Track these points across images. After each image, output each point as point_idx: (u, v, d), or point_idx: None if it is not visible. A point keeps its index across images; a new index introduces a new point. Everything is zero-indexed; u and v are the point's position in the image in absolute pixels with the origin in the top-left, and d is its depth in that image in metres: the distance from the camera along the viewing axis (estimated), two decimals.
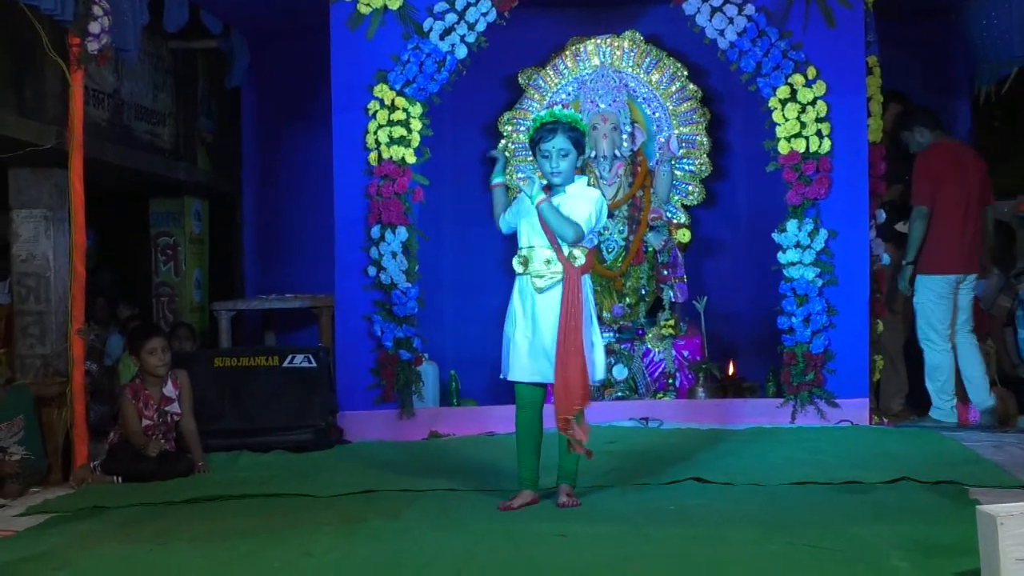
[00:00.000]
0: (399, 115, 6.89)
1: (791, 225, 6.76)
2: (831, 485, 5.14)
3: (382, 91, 6.90)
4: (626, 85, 7.66)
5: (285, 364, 6.65)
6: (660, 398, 7.16)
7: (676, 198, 7.74)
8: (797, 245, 6.76)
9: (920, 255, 6.71)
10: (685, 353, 7.30)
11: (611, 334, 7.32)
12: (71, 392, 5.83)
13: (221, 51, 8.35)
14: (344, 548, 4.27)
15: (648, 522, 4.54)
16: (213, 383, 6.54)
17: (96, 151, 6.58)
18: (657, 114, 7.74)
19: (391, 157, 6.90)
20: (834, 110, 6.73)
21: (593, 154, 7.50)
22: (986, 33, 7.07)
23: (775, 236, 6.80)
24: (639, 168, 7.62)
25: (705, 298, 7.38)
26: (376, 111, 6.90)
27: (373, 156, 6.91)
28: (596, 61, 7.74)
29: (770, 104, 6.77)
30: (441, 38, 6.89)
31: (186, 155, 8.53)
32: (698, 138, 7.73)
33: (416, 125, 6.91)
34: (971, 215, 6.77)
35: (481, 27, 6.87)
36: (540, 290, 4.86)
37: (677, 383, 7.25)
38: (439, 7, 6.87)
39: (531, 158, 5.09)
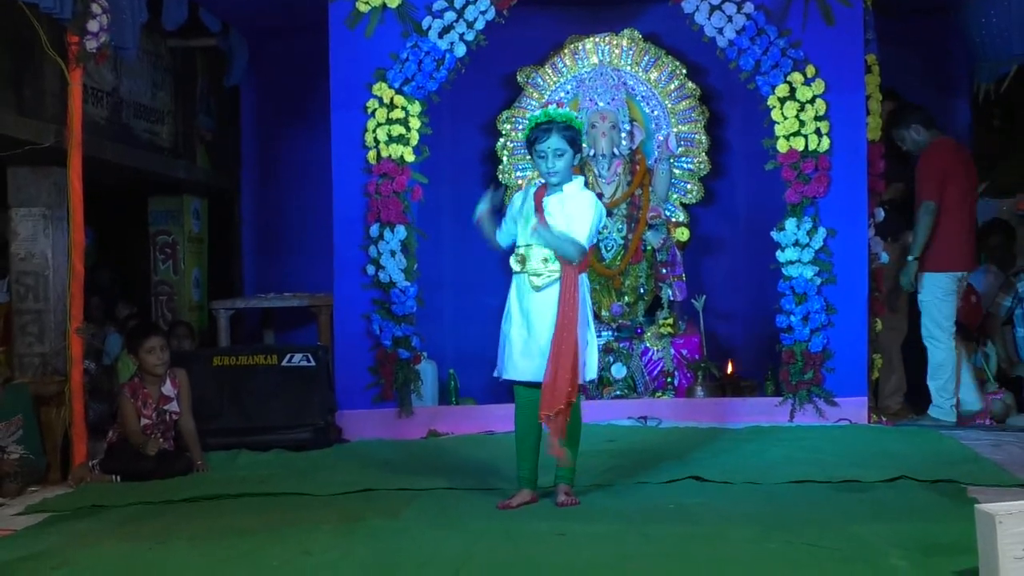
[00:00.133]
0: (398, 113, 6.89)
1: (790, 223, 6.76)
2: (830, 484, 5.15)
3: (381, 89, 6.90)
4: (625, 83, 7.65)
5: (284, 363, 6.65)
6: (659, 397, 7.16)
7: (675, 196, 7.74)
8: (796, 244, 6.76)
9: (926, 252, 6.71)
10: (684, 352, 7.30)
11: (610, 333, 7.33)
12: (70, 391, 5.83)
13: (220, 49, 8.34)
14: (343, 547, 4.27)
15: (647, 521, 4.55)
16: (212, 382, 6.54)
17: (95, 149, 6.57)
18: (656, 112, 7.74)
19: (390, 155, 6.89)
20: (833, 108, 6.72)
21: (592, 152, 7.50)
22: (985, 31, 7.06)
23: (774, 234, 6.80)
24: (638, 166, 7.62)
25: (704, 297, 7.38)
26: (375, 109, 6.90)
27: (372, 154, 6.91)
28: (595, 59, 7.74)
29: (769, 102, 6.77)
30: (440, 36, 6.88)
31: (185, 153, 8.53)
32: (697, 136, 7.73)
33: (415, 123, 6.91)
34: (972, 213, 6.80)
35: (480, 25, 6.87)
36: (537, 288, 4.86)
37: (676, 382, 7.25)
38: (438, 5, 6.86)
39: (529, 157, 5.08)
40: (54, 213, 6.63)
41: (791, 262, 6.77)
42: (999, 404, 6.97)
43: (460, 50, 6.89)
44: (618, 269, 7.55)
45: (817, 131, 6.72)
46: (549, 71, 7.82)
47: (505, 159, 7.83)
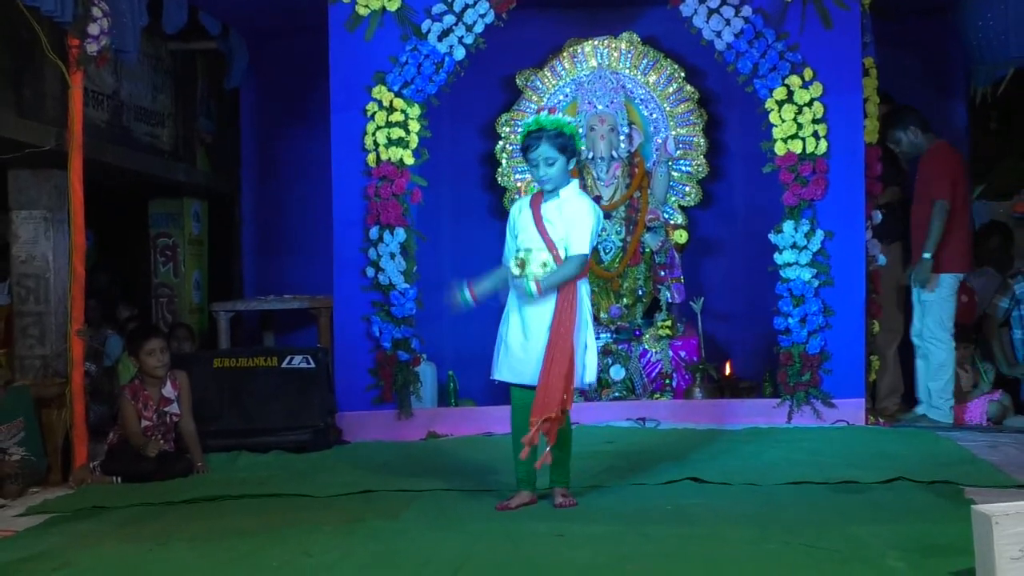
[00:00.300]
0: (397, 116, 6.90)
1: (787, 226, 6.77)
2: (828, 485, 5.17)
3: (380, 92, 6.91)
4: (623, 86, 7.68)
5: (284, 365, 6.66)
6: (657, 398, 7.18)
7: (673, 199, 7.76)
8: (793, 246, 6.77)
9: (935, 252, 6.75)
10: (682, 354, 7.32)
11: (608, 335, 7.34)
12: (70, 393, 5.84)
13: (220, 52, 8.36)
14: (343, 548, 4.28)
15: (645, 522, 4.56)
16: (212, 384, 6.55)
17: (95, 152, 6.58)
18: (654, 115, 7.76)
19: (389, 158, 6.90)
20: (831, 111, 6.73)
21: (590, 155, 7.52)
22: (982, 34, 7.06)
23: (771, 237, 6.81)
24: (636, 169, 7.64)
25: (702, 299, 7.40)
26: (374, 112, 6.91)
27: (371, 157, 6.92)
28: (593, 62, 7.76)
29: (767, 105, 6.78)
30: (439, 39, 6.90)
31: (185, 156, 8.54)
32: (695, 139, 7.75)
33: (414, 126, 6.92)
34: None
35: (479, 28, 6.88)
36: (535, 278, 4.84)
37: (674, 383, 7.27)
38: (437, 9, 6.88)
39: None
40: (55, 216, 6.64)
41: (789, 264, 6.78)
42: (996, 406, 7.00)
43: (459, 53, 6.91)
44: (616, 271, 7.56)
45: (815, 134, 6.74)
46: (548, 74, 7.84)
47: (504, 162, 7.85)
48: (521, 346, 4.89)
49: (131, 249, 9.41)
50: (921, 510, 4.64)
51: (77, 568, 4.16)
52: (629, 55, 7.76)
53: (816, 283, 6.76)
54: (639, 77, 7.75)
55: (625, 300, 7.60)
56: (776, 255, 6.80)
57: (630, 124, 7.64)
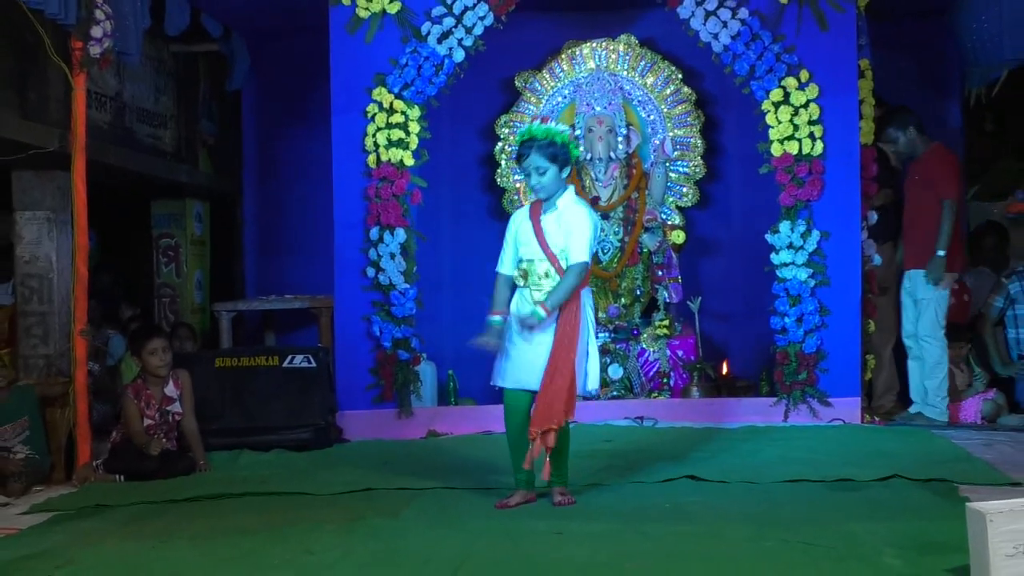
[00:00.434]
0: (397, 118, 6.93)
1: (784, 226, 6.80)
2: (824, 483, 5.18)
3: (380, 94, 6.94)
4: (621, 88, 7.70)
5: (285, 364, 6.69)
6: (655, 397, 7.20)
7: (671, 200, 7.79)
8: (790, 246, 6.80)
9: (931, 252, 6.76)
10: (679, 353, 7.35)
11: (606, 334, 7.36)
12: (74, 392, 5.88)
13: (221, 54, 8.39)
14: (344, 546, 4.30)
15: (644, 519, 4.57)
16: (214, 383, 6.58)
17: (98, 154, 6.61)
18: (652, 117, 7.80)
19: (389, 159, 6.93)
20: (826, 113, 6.76)
21: (589, 156, 7.55)
22: (976, 36, 7.08)
23: (768, 237, 6.84)
24: (634, 170, 7.68)
25: (699, 298, 7.42)
26: (375, 114, 6.94)
27: (372, 158, 6.95)
28: (592, 64, 7.79)
29: (763, 107, 6.81)
30: (439, 42, 6.93)
31: (187, 157, 8.58)
32: (692, 140, 7.78)
33: (414, 128, 6.95)
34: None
35: (478, 31, 6.91)
36: (539, 302, 4.88)
37: (671, 382, 7.29)
38: (437, 11, 6.91)
39: None
40: (58, 216, 6.68)
41: (785, 264, 6.81)
42: (990, 404, 7.04)
43: (459, 55, 6.94)
44: (615, 271, 7.60)
45: (811, 135, 6.76)
46: (547, 76, 7.87)
47: (503, 163, 7.87)
48: (523, 351, 4.90)
49: (134, 249, 9.42)
50: (917, 508, 4.66)
51: (80, 566, 4.17)
52: (627, 57, 7.79)
53: (812, 283, 6.79)
54: (637, 79, 7.78)
55: (623, 300, 7.64)
56: (773, 255, 6.83)
57: (628, 125, 7.67)
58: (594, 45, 7.81)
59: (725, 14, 6.80)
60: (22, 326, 6.74)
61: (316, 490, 5.40)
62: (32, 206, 6.72)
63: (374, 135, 6.95)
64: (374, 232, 6.95)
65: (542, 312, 4.81)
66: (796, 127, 6.77)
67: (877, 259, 7.01)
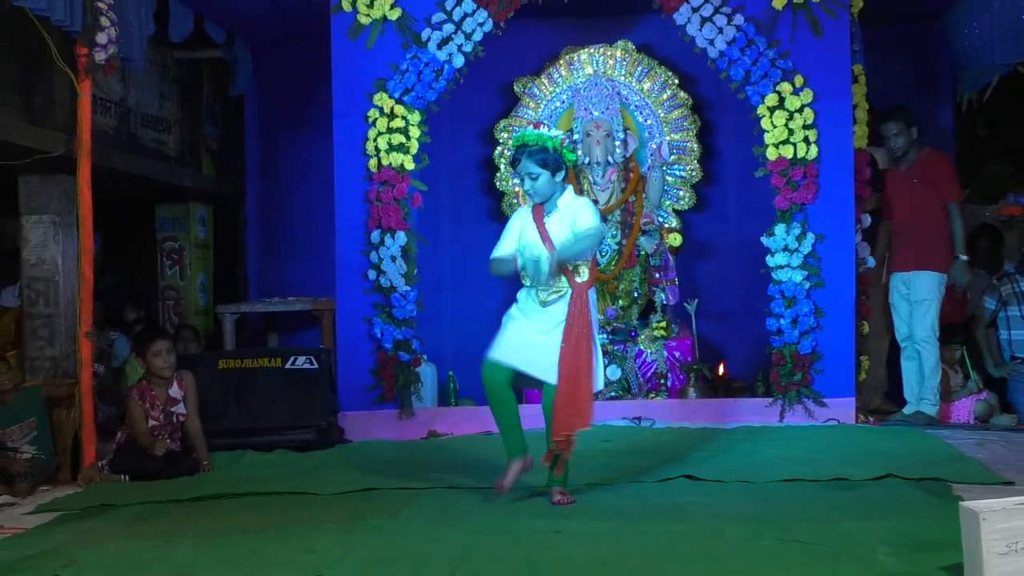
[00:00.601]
0: (398, 123, 6.97)
1: (779, 229, 6.83)
2: (820, 482, 5.19)
3: (381, 99, 6.98)
4: (619, 93, 7.74)
5: (287, 365, 6.71)
6: (652, 398, 7.23)
7: (667, 203, 7.83)
8: (785, 249, 6.82)
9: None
10: (677, 354, 7.37)
11: (604, 336, 7.34)
12: (79, 393, 5.93)
13: (225, 60, 8.43)
14: (345, 545, 4.31)
15: (642, 519, 4.59)
16: (217, 384, 6.60)
17: (103, 158, 6.66)
18: (649, 121, 7.84)
19: (390, 163, 6.97)
20: (821, 117, 6.79)
21: (587, 160, 7.58)
22: (968, 42, 7.12)
23: (763, 240, 6.87)
24: (631, 174, 7.71)
25: (696, 300, 7.46)
26: (376, 119, 6.98)
27: (373, 162, 6.99)
28: (589, 70, 7.83)
29: (758, 111, 6.84)
30: (439, 48, 6.97)
31: (191, 162, 8.62)
32: (689, 144, 7.83)
33: (415, 132, 6.99)
34: None
35: (478, 37, 6.95)
36: (544, 303, 4.93)
37: (669, 383, 7.32)
38: (437, 17, 6.95)
39: None
40: (64, 220, 6.72)
41: (780, 267, 6.83)
42: (983, 405, 7.10)
43: (458, 61, 6.98)
44: (612, 274, 7.62)
45: (805, 139, 6.79)
46: (545, 81, 7.92)
47: (502, 166, 7.90)
48: (522, 335, 4.92)
49: (138, 252, 9.46)
50: (911, 507, 4.68)
51: (84, 565, 4.17)
52: (624, 62, 7.83)
53: (807, 285, 6.81)
54: (634, 84, 7.83)
55: (621, 302, 7.67)
56: (768, 258, 6.86)
57: (625, 130, 7.70)
58: (592, 51, 7.85)
59: (721, 20, 6.83)
60: (28, 328, 6.78)
61: (318, 490, 5.41)
62: (38, 210, 6.76)
63: (375, 139, 6.99)
64: (375, 235, 6.98)
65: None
66: (791, 131, 6.80)
67: (871, 261, 7.05)
